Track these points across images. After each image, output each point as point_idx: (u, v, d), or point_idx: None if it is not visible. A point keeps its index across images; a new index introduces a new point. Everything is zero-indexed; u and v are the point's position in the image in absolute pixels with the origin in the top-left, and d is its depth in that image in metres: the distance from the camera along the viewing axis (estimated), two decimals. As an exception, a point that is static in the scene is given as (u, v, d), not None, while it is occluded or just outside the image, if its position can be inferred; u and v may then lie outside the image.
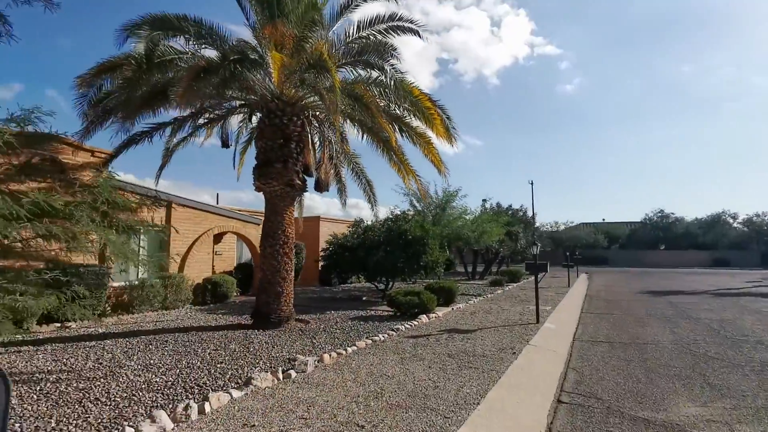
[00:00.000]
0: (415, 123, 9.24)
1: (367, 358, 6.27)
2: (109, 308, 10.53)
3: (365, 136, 10.40)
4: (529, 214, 37.55)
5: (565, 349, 7.33)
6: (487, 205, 21.58)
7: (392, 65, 8.67)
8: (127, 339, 7.51)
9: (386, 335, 7.94)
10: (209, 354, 6.41)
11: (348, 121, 9.96)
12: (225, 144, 9.31)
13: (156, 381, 5.08)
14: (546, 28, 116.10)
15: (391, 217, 13.87)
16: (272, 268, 9.15)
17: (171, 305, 11.64)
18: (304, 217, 22.00)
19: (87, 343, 7.23)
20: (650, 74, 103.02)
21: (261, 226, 15.99)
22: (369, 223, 14.50)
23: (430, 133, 9.11)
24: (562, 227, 56.78)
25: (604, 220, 62.10)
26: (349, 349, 6.72)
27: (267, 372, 5.29)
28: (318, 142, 10.77)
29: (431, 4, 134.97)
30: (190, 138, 10.63)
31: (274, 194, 9.29)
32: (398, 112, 9.31)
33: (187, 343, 7.21)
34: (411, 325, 9.04)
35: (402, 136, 9.56)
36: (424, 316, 9.91)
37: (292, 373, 5.32)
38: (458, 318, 10.24)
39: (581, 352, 7.22)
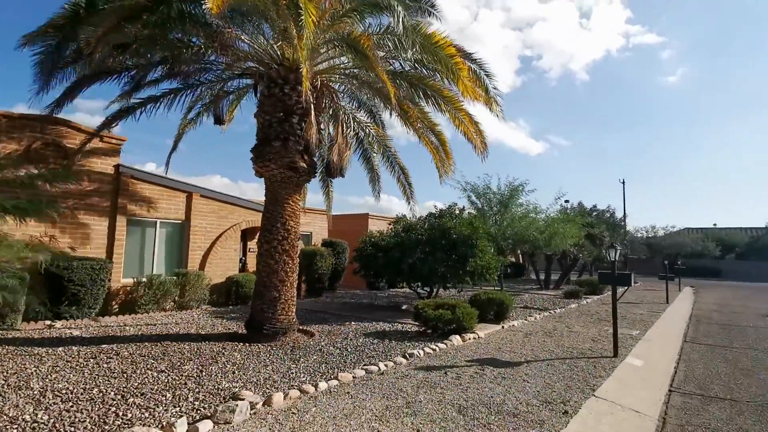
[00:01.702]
0: (440, 84, 7.12)
1: (338, 403, 4.35)
2: (116, 307, 9.75)
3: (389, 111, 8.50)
4: (619, 215, 32.79)
5: (655, 410, 4.76)
6: (564, 204, 18.13)
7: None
8: (83, 347, 6.35)
9: (392, 363, 5.95)
10: (146, 379, 4.94)
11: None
12: (219, 120, 7.94)
13: (25, 419, 3.63)
14: (645, 14, 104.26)
15: (434, 212, 11.73)
16: (268, 269, 7.59)
17: (186, 305, 10.66)
18: (351, 214, 20.55)
19: (26, 348, 6.16)
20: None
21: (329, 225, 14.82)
22: (414, 219, 12.49)
23: (458, 93, 6.92)
24: (661, 232, 49.48)
25: (715, 225, 53.22)
26: (325, 385, 4.85)
27: (157, 428, 3.61)
28: (330, 119, 9.04)
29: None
30: (198, 118, 9.52)
31: (274, 179, 7.74)
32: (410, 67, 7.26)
33: (141, 358, 5.85)
34: (435, 349, 6.91)
35: (421, 98, 7.49)
36: (459, 336, 7.71)
37: (202, 427, 3.57)
38: (505, 341, 7.88)
39: (685, 416, 4.61)
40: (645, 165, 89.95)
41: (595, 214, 30.25)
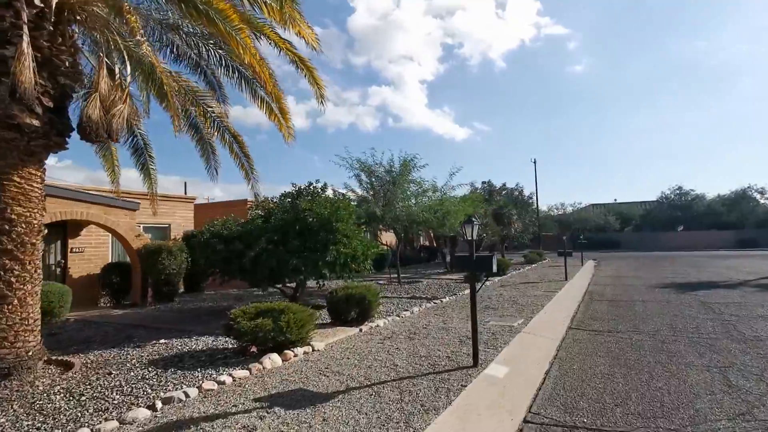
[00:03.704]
0: None
1: None
2: None
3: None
4: (528, 193, 33.05)
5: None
6: (466, 184, 16.66)
7: None
8: None
9: (135, 415, 3.76)
10: None
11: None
12: None
13: None
14: (552, 7, 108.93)
15: (292, 191, 9.57)
16: (-19, 280, 5.00)
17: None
18: (228, 201, 17.75)
19: None
20: (662, 52, 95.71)
21: (135, 211, 11.95)
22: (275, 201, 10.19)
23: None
24: (570, 209, 51.82)
25: (615, 200, 56.95)
26: None
27: None
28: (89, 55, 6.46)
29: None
30: None
31: (-16, 145, 5.12)
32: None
33: None
34: (226, 381, 4.82)
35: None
36: (280, 353, 5.69)
37: None
38: (346, 354, 6.00)
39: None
40: (559, 148, 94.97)
41: (504, 192, 29.99)
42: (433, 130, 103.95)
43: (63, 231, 11.18)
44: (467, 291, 12.54)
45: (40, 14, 5.26)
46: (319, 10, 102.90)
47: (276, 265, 8.29)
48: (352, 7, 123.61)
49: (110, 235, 11.82)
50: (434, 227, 14.46)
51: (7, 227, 5.11)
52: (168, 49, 7.56)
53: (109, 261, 11.97)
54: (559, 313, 9.05)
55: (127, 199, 11.46)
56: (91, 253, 11.72)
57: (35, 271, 5.40)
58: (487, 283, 14.58)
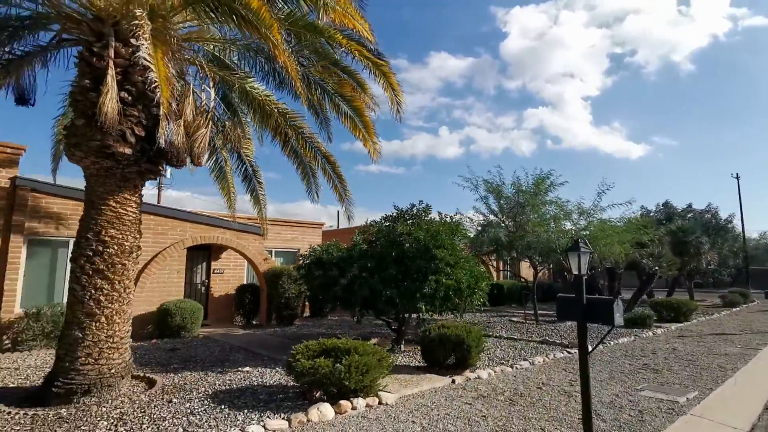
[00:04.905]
0: None
1: None
2: (7, 342, 8.32)
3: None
4: (724, 216, 25.93)
5: None
6: (620, 204, 13.11)
7: None
8: None
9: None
10: None
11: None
12: (22, 100, 6.09)
13: None
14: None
15: (391, 214, 8.74)
16: (72, 298, 5.44)
17: (97, 339, 8.94)
18: (345, 228, 17.81)
19: None
20: None
21: (262, 236, 12.72)
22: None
23: None
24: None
25: None
26: None
27: None
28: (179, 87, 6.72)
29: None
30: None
31: (88, 171, 5.69)
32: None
33: None
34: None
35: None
36: (334, 404, 4.78)
37: None
38: (419, 416, 4.75)
39: None
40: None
41: (690, 216, 24.04)
42: (601, 149, 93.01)
43: (207, 254, 12.55)
44: (623, 339, 9.81)
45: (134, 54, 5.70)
46: (472, 40, 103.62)
47: (370, 295, 7.52)
48: (505, 32, 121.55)
49: (245, 258, 12.85)
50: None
51: (100, 248, 5.49)
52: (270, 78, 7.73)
53: (243, 282, 12.96)
54: (750, 389, 6.05)
55: (257, 224, 12.30)
56: (230, 275, 12.86)
57: (124, 291, 5.69)
58: (660, 330, 11.23)
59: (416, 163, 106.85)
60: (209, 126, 6.10)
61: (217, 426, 4.27)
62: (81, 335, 5.27)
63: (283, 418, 4.43)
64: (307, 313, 13.71)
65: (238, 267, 13.08)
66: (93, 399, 5.16)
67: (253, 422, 4.36)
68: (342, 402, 4.78)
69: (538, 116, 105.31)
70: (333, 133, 8.27)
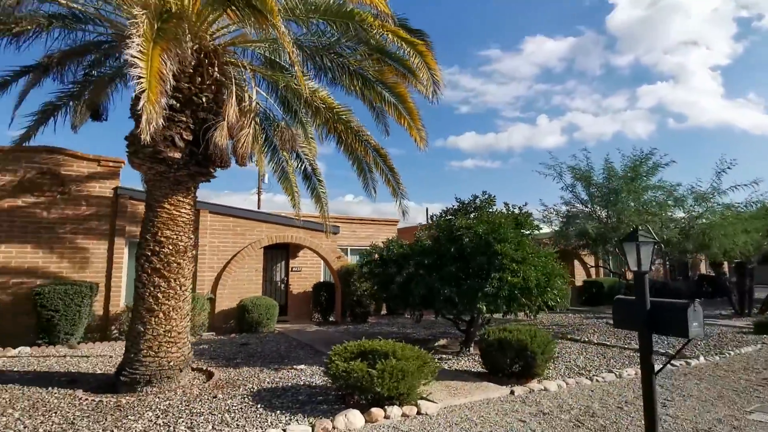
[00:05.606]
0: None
1: None
2: (115, 332, 9.46)
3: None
4: None
5: None
6: (746, 184, 10.32)
7: None
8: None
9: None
10: None
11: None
12: (96, 115, 6.71)
13: None
14: None
15: (451, 207, 8.05)
16: (135, 294, 5.85)
17: (186, 332, 9.77)
18: (415, 225, 17.12)
19: None
20: None
21: (336, 234, 12.82)
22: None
23: None
24: None
25: None
26: None
27: None
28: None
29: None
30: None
31: (146, 176, 6.10)
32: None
33: None
34: (281, 437, 3.93)
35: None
36: (387, 408, 4.44)
37: None
38: (461, 431, 4.18)
39: None
40: None
41: None
42: (736, 126, 79.38)
43: (286, 253, 13.06)
44: (746, 348, 8.01)
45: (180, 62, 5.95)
46: (572, 18, 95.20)
47: (427, 293, 7.04)
48: (611, 4, 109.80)
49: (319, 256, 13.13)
50: (688, 250, 9.92)
51: (156, 248, 5.83)
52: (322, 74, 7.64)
53: (320, 280, 13.24)
54: None
55: (331, 223, 12.45)
56: (307, 273, 13.24)
57: (180, 288, 5.98)
58: (743, 349, 8.92)
59: (513, 155, 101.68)
60: (252, 126, 6.16)
61: (244, 427, 4.20)
62: (143, 329, 5.65)
63: (308, 424, 4.21)
64: (384, 311, 13.59)
65: (315, 265, 13.40)
66: (153, 389, 5.49)
67: (280, 425, 4.21)
68: (373, 410, 4.42)
69: (656, 93, 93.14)
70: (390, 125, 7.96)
